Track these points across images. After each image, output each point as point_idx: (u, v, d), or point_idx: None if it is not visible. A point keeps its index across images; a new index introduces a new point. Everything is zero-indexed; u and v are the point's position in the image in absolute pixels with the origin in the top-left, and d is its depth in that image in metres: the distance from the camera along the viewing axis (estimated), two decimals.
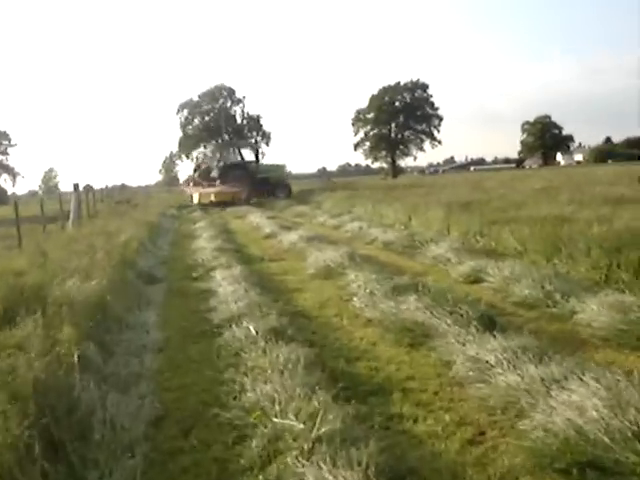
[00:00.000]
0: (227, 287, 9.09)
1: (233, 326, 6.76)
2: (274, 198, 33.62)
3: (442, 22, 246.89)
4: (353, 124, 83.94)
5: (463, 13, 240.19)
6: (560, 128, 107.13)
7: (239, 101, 69.96)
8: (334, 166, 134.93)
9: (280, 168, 38.94)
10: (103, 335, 6.43)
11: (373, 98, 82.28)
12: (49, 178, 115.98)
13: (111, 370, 5.57)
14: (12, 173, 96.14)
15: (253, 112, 70.53)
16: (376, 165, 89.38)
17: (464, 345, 5.68)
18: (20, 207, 14.91)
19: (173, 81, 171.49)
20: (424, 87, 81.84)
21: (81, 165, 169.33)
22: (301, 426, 4.00)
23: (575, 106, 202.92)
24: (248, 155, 38.67)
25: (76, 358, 4.77)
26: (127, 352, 6.33)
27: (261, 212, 25.35)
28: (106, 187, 45.86)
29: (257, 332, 6.29)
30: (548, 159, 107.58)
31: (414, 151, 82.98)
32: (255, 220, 21.91)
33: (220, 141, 58.79)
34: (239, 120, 69.64)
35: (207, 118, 68.24)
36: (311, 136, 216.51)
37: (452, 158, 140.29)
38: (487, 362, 5.16)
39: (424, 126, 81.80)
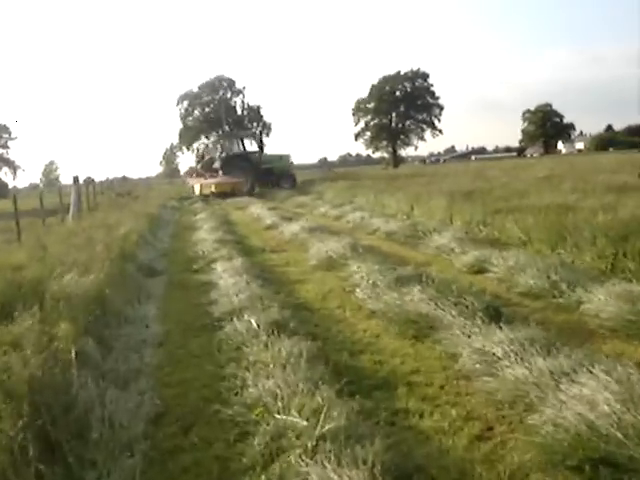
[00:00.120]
0: (228, 279, 8.98)
1: (234, 319, 6.65)
2: (279, 189, 33.28)
3: (442, 11, 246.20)
4: (354, 114, 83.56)
5: (463, 2, 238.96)
6: (561, 116, 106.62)
7: (239, 92, 69.58)
8: (335, 156, 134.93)
9: (285, 158, 38.37)
10: (102, 330, 6.31)
11: (373, 88, 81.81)
12: (50, 171, 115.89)
13: (110, 366, 5.46)
14: (13, 166, 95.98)
15: (253, 103, 70.28)
16: (377, 155, 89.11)
17: (470, 337, 5.57)
18: (20, 200, 14.85)
19: (173, 73, 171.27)
20: (424, 76, 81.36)
21: (82, 158, 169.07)
22: (304, 423, 3.90)
23: (576, 94, 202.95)
24: (252, 146, 38.34)
25: (74, 354, 4.65)
26: (126, 347, 6.23)
27: (262, 203, 25.24)
28: (107, 179, 45.79)
29: (259, 325, 6.18)
30: (549, 148, 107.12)
31: (415, 141, 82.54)
32: (256, 211, 21.80)
33: (221, 132, 58.44)
34: (239, 111, 69.26)
35: (207, 109, 67.89)
36: (311, 126, 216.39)
37: (453, 147, 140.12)
38: (494, 354, 5.06)
39: (425, 115, 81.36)
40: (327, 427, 3.77)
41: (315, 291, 8.62)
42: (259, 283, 8.48)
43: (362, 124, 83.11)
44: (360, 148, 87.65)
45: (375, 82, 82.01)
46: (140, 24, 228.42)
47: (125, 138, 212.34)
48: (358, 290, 8.10)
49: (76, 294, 6.60)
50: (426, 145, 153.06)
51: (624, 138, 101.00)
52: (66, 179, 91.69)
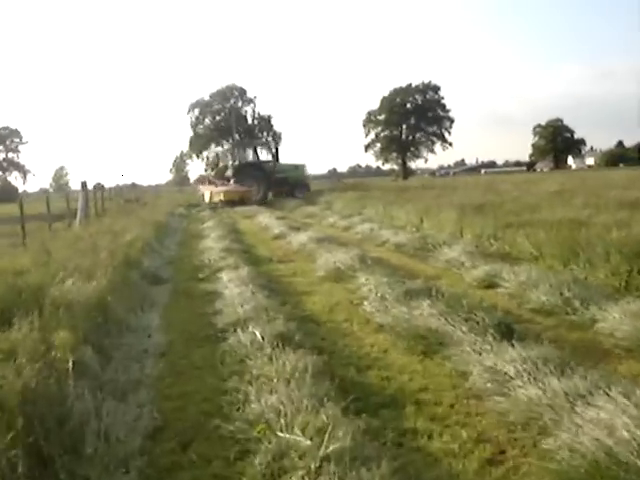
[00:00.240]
0: (234, 289, 8.83)
1: (238, 330, 6.49)
2: (293, 198, 33.10)
3: (454, 25, 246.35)
4: (364, 125, 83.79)
5: (475, 17, 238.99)
6: (572, 131, 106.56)
7: (250, 101, 69.95)
8: (344, 167, 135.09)
9: (300, 168, 38.21)
10: (102, 338, 6.16)
11: (384, 99, 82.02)
12: (60, 176, 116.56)
13: (109, 376, 5.30)
14: (23, 170, 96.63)
15: (264, 112, 70.51)
16: (386, 167, 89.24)
17: (480, 354, 5.39)
18: (29, 205, 14.83)
19: (184, 80, 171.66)
20: (436, 89, 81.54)
21: (93, 164, 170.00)
22: (308, 442, 3.73)
23: (587, 109, 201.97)
24: (266, 155, 38.13)
25: (71, 364, 4.50)
26: (127, 357, 6.07)
27: (271, 212, 25.13)
28: (117, 186, 45.87)
29: (263, 337, 6.02)
30: (559, 162, 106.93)
31: (425, 153, 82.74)
32: (264, 220, 21.67)
33: (231, 141, 58.51)
34: (250, 120, 69.56)
35: (218, 118, 68.20)
36: (321, 137, 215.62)
37: (463, 161, 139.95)
38: (505, 373, 4.87)
39: (435, 128, 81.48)
40: (332, 447, 3.59)
41: (322, 303, 8.45)
42: (265, 293, 8.33)
43: (372, 135, 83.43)
44: (370, 159, 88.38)
45: (386, 94, 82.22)
46: (153, 33, 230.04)
47: (136, 145, 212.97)
48: (366, 303, 7.92)
49: (77, 301, 6.45)
50: (436, 158, 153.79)
51: (635, 154, 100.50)
52: (75, 184, 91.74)
